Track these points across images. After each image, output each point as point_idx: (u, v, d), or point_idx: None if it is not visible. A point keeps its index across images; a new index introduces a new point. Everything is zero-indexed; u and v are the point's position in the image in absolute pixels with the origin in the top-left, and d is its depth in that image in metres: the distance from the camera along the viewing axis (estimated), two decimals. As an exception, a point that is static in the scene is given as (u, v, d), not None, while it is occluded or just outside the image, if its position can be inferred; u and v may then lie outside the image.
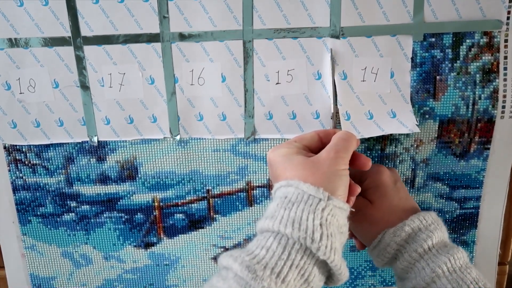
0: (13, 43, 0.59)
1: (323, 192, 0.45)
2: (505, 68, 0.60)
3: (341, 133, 0.52)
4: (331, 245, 0.43)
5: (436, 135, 0.62)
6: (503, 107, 0.61)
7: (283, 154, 0.50)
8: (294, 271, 0.42)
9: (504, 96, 0.61)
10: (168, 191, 0.65)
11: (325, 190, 0.45)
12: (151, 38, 0.58)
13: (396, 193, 0.56)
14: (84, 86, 0.61)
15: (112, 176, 0.65)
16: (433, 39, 0.59)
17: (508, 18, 0.58)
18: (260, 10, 0.57)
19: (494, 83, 0.60)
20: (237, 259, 0.42)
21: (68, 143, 0.63)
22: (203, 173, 0.64)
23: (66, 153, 0.64)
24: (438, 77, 0.60)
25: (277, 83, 0.60)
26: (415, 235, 0.53)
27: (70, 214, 0.67)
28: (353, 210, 0.50)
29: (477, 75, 0.60)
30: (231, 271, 0.42)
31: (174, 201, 0.66)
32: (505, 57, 0.60)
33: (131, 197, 0.66)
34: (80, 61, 0.60)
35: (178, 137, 0.62)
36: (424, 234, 0.52)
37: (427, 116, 0.62)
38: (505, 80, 0.60)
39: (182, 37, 0.58)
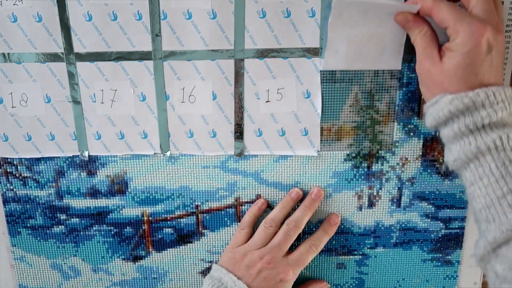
0: (6, 58, 0.59)
1: None
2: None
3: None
4: None
5: (420, 153, 0.64)
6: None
7: None
8: None
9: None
10: (157, 206, 0.66)
11: None
12: (143, 55, 0.59)
13: (482, 63, 0.49)
14: (76, 102, 0.61)
15: (102, 190, 0.65)
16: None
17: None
18: (251, 30, 0.58)
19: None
20: None
21: (59, 157, 0.64)
22: (193, 189, 0.65)
23: (57, 166, 0.64)
24: (423, 97, 0.61)
25: (267, 101, 0.61)
26: (475, 109, 0.48)
27: (60, 226, 0.67)
28: None
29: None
30: None
31: (163, 215, 0.66)
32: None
33: (121, 211, 0.66)
34: (72, 77, 0.60)
35: (168, 153, 0.63)
36: (485, 112, 0.48)
37: (411, 133, 0.63)
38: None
39: (174, 55, 0.59)
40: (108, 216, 0.66)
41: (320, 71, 0.60)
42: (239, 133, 0.62)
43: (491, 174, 0.47)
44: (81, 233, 0.67)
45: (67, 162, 0.64)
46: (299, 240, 0.66)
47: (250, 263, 0.61)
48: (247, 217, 0.65)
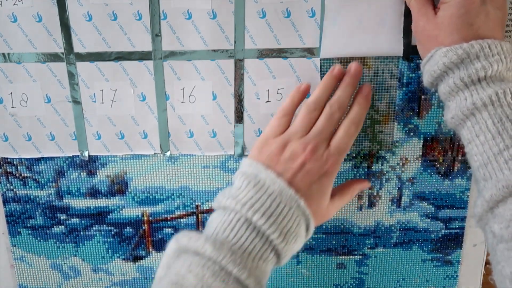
0: (6, 58, 0.59)
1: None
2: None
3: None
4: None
5: (420, 153, 0.64)
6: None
7: None
8: None
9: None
10: (157, 206, 0.66)
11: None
12: (143, 55, 0.59)
13: (477, 14, 0.48)
14: (76, 102, 0.61)
15: (102, 190, 0.65)
16: (420, 61, 0.59)
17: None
18: (251, 30, 0.58)
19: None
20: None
21: (59, 157, 0.64)
22: (193, 189, 0.65)
23: (57, 166, 0.64)
24: (423, 97, 0.61)
25: (267, 101, 0.61)
26: (469, 62, 0.47)
27: (60, 226, 0.67)
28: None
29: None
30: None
31: (163, 215, 0.66)
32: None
33: (121, 211, 0.66)
34: (72, 77, 0.60)
35: (168, 153, 0.63)
36: (479, 64, 0.46)
37: (411, 133, 0.63)
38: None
39: (174, 55, 0.59)
40: (108, 216, 0.66)
41: (320, 70, 0.60)
42: (239, 133, 0.62)
43: (488, 131, 0.46)
44: (81, 233, 0.67)
45: (67, 162, 0.64)
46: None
47: (291, 155, 0.52)
48: (288, 103, 0.56)
